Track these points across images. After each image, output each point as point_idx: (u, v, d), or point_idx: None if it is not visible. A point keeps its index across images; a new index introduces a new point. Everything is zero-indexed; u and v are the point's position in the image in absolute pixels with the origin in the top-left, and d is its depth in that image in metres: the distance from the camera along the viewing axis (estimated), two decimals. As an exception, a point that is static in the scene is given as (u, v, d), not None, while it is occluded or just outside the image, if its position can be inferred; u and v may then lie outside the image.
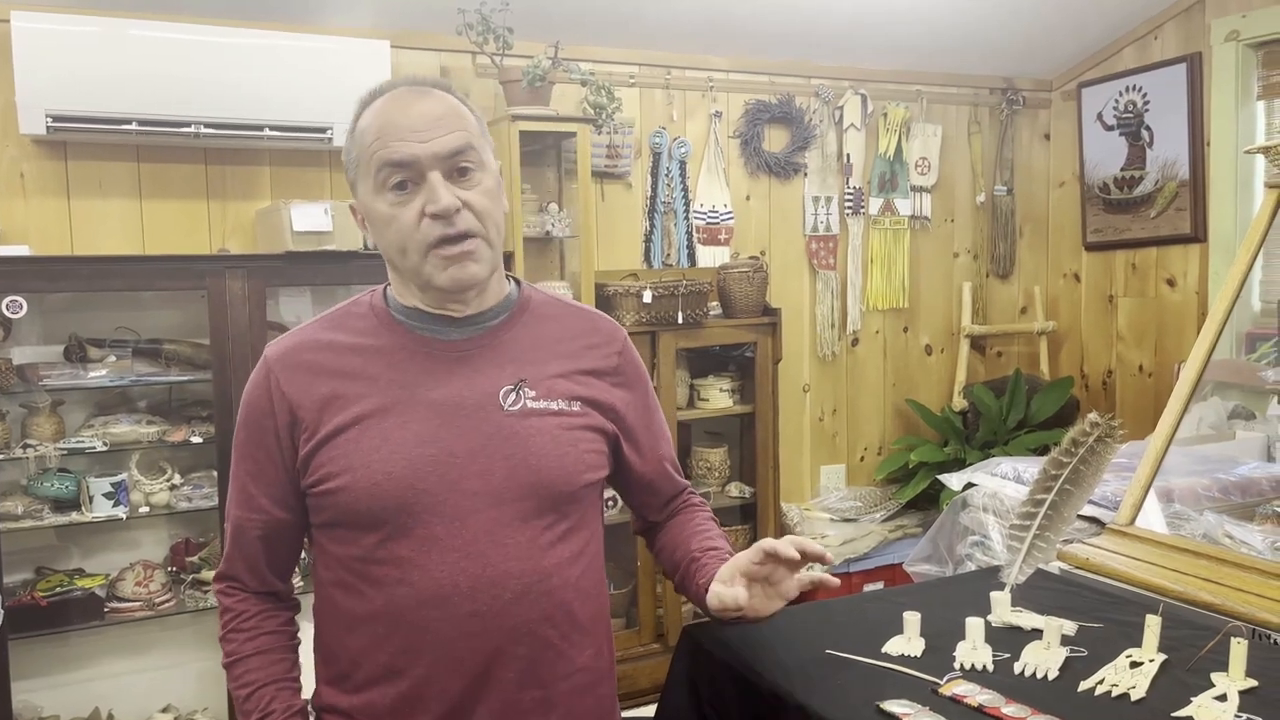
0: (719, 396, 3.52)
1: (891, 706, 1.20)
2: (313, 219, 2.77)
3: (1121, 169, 3.97)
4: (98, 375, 2.71)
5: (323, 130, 2.89)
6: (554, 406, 1.27)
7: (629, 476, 1.42)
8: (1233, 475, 2.13)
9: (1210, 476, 2.10)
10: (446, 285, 1.22)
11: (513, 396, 1.26)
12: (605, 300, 3.26)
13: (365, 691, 1.24)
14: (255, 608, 1.30)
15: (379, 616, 1.22)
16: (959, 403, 4.11)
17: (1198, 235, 3.73)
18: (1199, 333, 3.68)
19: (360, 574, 1.23)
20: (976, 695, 1.23)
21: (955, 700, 1.23)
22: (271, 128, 2.84)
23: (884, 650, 1.39)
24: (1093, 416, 1.37)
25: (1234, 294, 1.94)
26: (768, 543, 1.25)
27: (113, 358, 2.77)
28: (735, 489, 3.60)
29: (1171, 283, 3.89)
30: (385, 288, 1.33)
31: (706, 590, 1.31)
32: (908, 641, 1.40)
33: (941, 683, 1.27)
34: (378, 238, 1.25)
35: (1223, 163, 3.63)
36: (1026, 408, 3.94)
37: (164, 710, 2.88)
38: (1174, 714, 1.20)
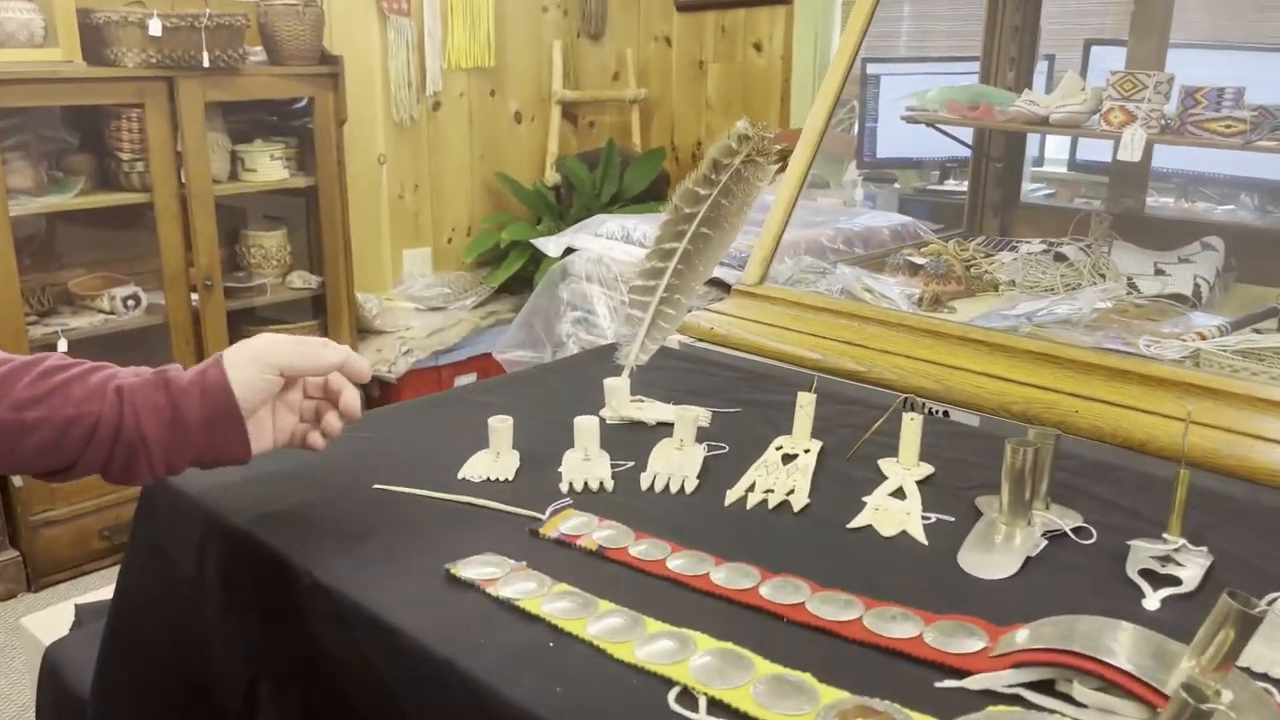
0: (270, 166, 2.87)
1: (466, 570, 0.78)
2: None
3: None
4: None
5: None
6: None
7: None
8: (855, 225, 1.91)
9: (832, 227, 1.87)
10: None
11: None
12: (94, 31, 2.43)
13: None
14: None
15: None
16: (551, 177, 3.79)
17: (786, -4, 3.55)
18: (782, 99, 3.63)
19: None
20: (593, 532, 0.85)
21: (563, 542, 0.84)
22: None
23: (460, 475, 0.96)
24: (742, 126, 0.97)
25: (850, 57, 1.61)
26: None
27: None
28: (299, 279, 3.05)
29: (758, 47, 3.74)
30: None
31: None
32: (495, 459, 0.99)
33: (544, 518, 0.87)
34: None
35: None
36: (620, 181, 3.72)
37: None
38: (850, 525, 0.89)
